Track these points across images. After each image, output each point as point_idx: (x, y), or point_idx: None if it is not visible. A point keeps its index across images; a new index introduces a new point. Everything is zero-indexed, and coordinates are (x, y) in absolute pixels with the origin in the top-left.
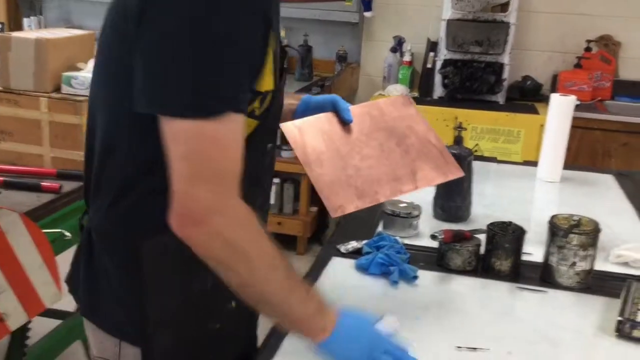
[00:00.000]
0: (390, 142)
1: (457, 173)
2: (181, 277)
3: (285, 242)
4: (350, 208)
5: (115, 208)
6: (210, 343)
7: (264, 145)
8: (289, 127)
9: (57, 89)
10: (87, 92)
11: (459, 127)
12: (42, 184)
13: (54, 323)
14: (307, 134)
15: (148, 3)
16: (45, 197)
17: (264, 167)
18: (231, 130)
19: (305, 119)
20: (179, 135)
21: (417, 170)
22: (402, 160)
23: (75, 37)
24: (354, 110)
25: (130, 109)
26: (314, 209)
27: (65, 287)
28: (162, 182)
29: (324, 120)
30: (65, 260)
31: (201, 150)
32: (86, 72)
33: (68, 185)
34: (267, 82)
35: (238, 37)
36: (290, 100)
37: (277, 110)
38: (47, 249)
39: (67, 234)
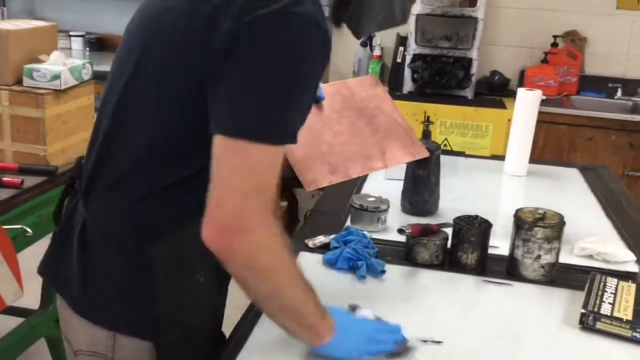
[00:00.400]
0: (360, 121)
1: (423, 153)
2: (188, 275)
3: None
4: (324, 182)
5: (134, 208)
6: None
7: None
8: None
9: (19, 82)
10: (49, 85)
11: (427, 121)
12: (3, 179)
13: (16, 321)
14: None
15: (240, 44)
16: (6, 193)
17: None
18: (282, 155)
19: None
20: (245, 154)
21: (386, 149)
22: (371, 139)
23: (38, 28)
24: (325, 89)
25: (183, 126)
26: (284, 204)
27: (28, 284)
28: (189, 190)
29: None
30: (25, 257)
31: (261, 170)
32: (49, 65)
33: (30, 181)
34: None
35: (315, 80)
36: None
37: None
38: (8, 246)
39: (29, 230)
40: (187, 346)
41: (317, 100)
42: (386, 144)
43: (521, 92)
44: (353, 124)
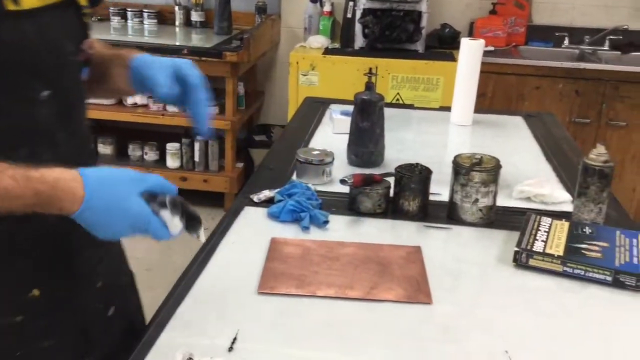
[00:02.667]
0: (369, 267)
1: (424, 300)
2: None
3: (213, 199)
4: (281, 290)
5: None
6: (13, 337)
7: (31, 92)
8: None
9: None
10: None
11: (370, 73)
12: None
13: None
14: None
15: None
16: None
17: (40, 121)
18: None
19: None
20: None
21: (378, 285)
22: (368, 277)
23: None
24: (356, 248)
25: None
26: (240, 164)
27: None
28: None
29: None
30: None
31: None
32: None
33: None
34: None
35: None
36: (124, 53)
37: (47, 44)
38: None
39: None
40: None
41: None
42: (381, 283)
43: (464, 42)
44: (358, 267)
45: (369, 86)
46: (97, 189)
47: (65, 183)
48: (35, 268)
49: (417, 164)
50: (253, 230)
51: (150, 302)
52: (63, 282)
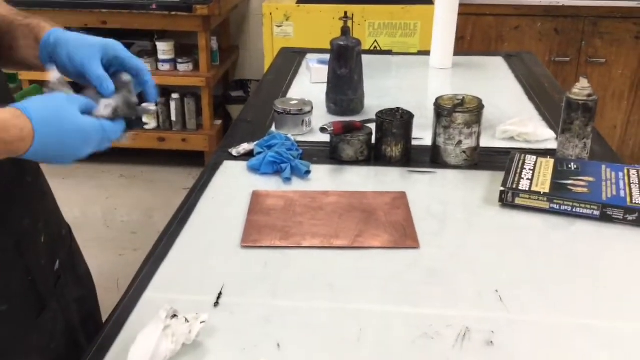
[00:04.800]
0: (354, 212)
1: (411, 244)
2: None
3: (192, 157)
4: (265, 242)
5: None
6: None
7: None
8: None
9: None
10: None
11: (345, 17)
12: None
13: None
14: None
15: None
16: None
17: None
18: None
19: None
20: None
21: (363, 233)
22: (352, 226)
23: None
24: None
25: None
26: (218, 122)
27: None
28: None
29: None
30: None
31: None
32: None
33: None
34: None
35: None
36: (34, 23)
37: None
38: None
39: None
40: None
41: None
42: (366, 230)
43: None
44: (341, 216)
45: (345, 31)
46: (43, 124)
47: (10, 122)
48: None
49: (399, 108)
50: (233, 185)
51: (136, 263)
52: (10, 241)
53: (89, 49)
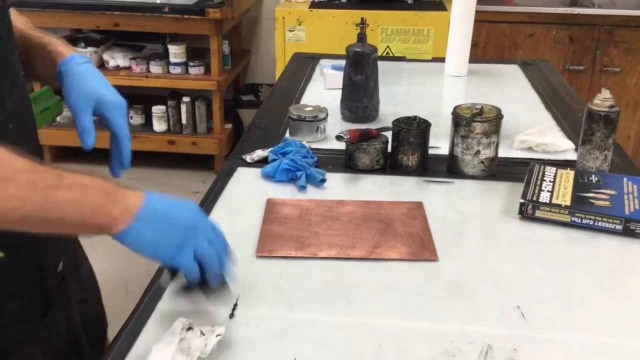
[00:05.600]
0: (371, 222)
1: (429, 257)
2: None
3: (202, 161)
4: (281, 253)
5: None
6: None
7: None
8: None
9: None
10: None
11: (362, 24)
12: None
13: None
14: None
15: None
16: None
17: None
18: None
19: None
20: None
21: (381, 244)
22: (370, 236)
23: None
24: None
25: None
26: (229, 126)
27: None
28: None
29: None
30: None
31: None
32: None
33: None
34: None
35: None
36: (57, 48)
37: None
38: None
39: None
40: None
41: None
42: (383, 241)
43: None
44: (359, 226)
45: (361, 37)
46: (148, 218)
47: (125, 199)
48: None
49: (415, 116)
50: (247, 192)
51: (145, 267)
52: (26, 241)
53: (83, 101)
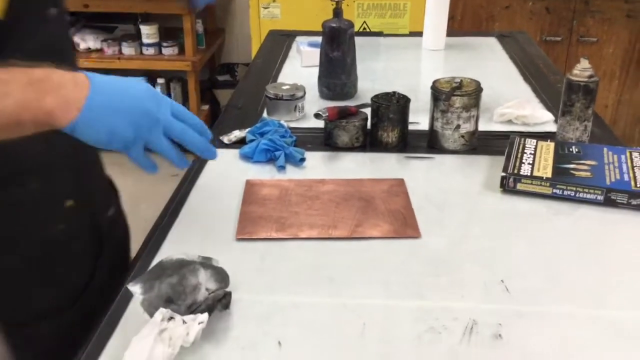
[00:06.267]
0: (352, 200)
1: (412, 234)
2: None
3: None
4: (261, 235)
5: None
6: (56, 246)
7: None
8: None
9: None
10: None
11: None
12: None
13: None
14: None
15: None
16: None
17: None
18: None
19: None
20: None
21: (362, 222)
22: (351, 215)
23: None
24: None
25: None
26: (205, 107)
27: None
28: None
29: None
30: None
31: None
32: None
33: None
34: None
35: None
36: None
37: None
38: None
39: None
40: None
41: None
42: (365, 219)
43: None
44: (339, 205)
45: (337, 13)
46: (103, 86)
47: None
48: (68, 179)
49: (394, 92)
50: (225, 174)
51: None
52: (87, 188)
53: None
